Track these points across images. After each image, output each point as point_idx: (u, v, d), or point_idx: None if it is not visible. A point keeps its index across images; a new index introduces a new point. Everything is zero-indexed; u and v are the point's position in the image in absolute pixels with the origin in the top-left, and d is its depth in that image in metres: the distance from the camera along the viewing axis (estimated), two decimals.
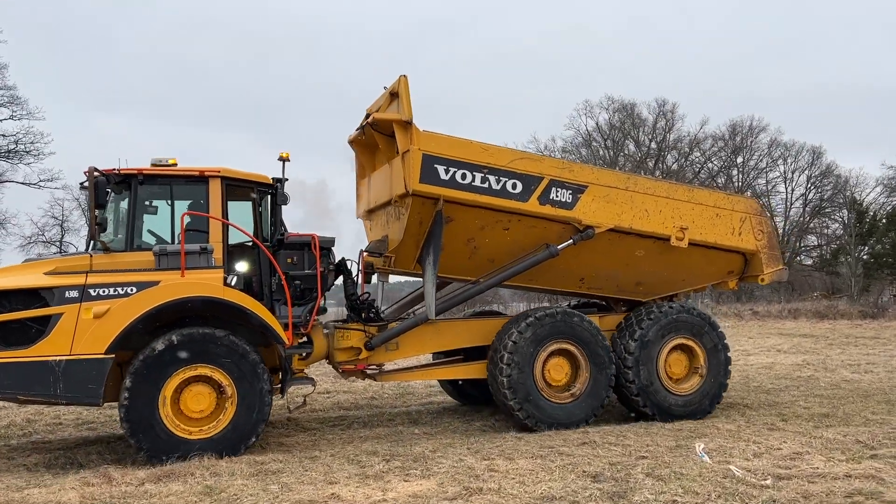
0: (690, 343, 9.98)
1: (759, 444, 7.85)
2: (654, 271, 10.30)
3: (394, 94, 9.06)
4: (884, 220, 46.25)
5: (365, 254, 9.80)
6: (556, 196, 9.34)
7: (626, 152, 56.45)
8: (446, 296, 10.42)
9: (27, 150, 35.37)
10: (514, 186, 9.14)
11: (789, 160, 55.47)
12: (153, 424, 7.55)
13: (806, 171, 55.37)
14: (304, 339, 9.02)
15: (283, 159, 8.97)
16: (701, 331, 10.04)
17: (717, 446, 7.82)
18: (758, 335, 24.41)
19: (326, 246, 9.06)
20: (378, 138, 9.46)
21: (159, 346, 7.63)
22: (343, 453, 7.87)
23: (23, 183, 36.23)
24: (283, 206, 8.95)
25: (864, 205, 50.46)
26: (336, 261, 9.35)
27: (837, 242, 50.95)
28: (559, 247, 9.48)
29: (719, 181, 55.26)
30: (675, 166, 55.09)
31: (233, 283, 8.17)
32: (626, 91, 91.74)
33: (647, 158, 55.32)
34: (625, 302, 10.83)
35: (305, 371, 9.28)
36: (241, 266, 8.69)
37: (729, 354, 10.22)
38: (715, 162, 56.55)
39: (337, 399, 12.05)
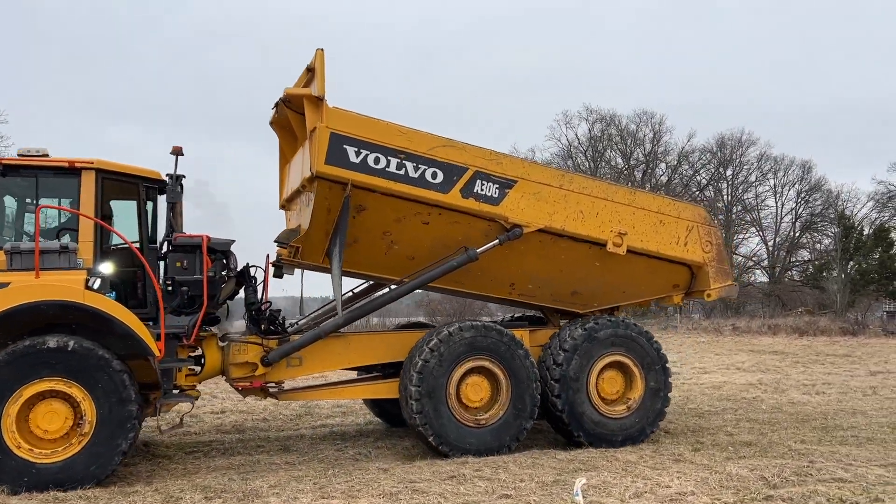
0: (635, 370, 8.97)
1: (648, 481, 6.78)
2: (591, 280, 9.31)
3: (311, 70, 8.14)
4: (871, 236, 45.27)
5: (277, 247, 8.77)
6: (481, 189, 8.42)
7: (613, 164, 55.53)
8: (360, 302, 9.42)
9: None
10: (433, 176, 8.22)
11: (779, 174, 54.74)
12: None
13: (796, 186, 54.55)
14: (197, 351, 8.04)
15: (176, 153, 8.08)
16: (651, 366, 9.03)
17: (600, 482, 6.76)
18: (727, 352, 23.28)
19: (221, 249, 8.09)
20: (292, 118, 8.61)
21: (51, 342, 6.78)
22: (168, 488, 6.78)
23: None
24: (175, 204, 8.14)
25: (855, 220, 49.46)
26: (237, 266, 8.33)
27: (825, 258, 49.88)
28: (480, 249, 8.49)
29: (708, 194, 54.38)
30: (664, 178, 54.25)
31: (95, 287, 7.16)
32: (618, 104, 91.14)
33: (635, 169, 54.43)
34: (563, 314, 9.87)
35: (198, 388, 8.28)
36: (107, 268, 7.66)
37: (666, 409, 9.16)
38: (703, 174, 55.72)
39: (224, 420, 10.93)
